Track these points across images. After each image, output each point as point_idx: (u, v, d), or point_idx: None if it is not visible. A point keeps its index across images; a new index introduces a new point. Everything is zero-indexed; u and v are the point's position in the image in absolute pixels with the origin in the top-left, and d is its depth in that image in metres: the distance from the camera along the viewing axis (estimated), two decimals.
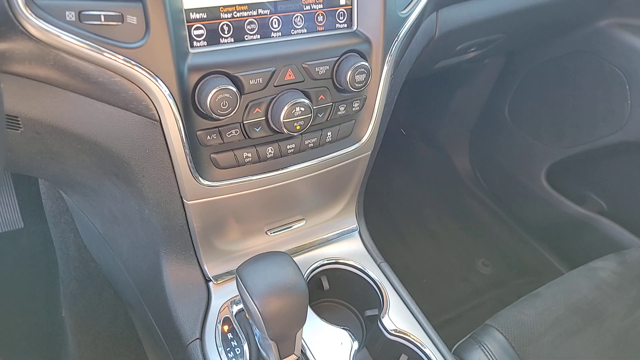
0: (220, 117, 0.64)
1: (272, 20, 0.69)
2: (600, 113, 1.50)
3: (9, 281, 1.40)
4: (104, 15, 0.56)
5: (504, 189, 1.91)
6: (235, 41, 0.67)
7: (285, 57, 0.69)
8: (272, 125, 0.71)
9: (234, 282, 0.70)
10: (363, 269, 0.95)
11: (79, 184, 0.90)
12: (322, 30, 0.73)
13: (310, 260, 0.94)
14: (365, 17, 0.75)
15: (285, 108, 0.68)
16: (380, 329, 0.87)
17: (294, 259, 0.90)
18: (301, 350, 0.78)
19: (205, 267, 0.87)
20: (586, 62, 1.51)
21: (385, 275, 0.94)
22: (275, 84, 0.69)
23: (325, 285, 0.96)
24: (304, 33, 0.72)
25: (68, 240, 1.39)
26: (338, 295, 0.99)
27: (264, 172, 0.76)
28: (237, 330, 0.81)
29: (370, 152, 0.89)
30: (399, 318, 0.89)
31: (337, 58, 0.73)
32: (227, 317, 0.83)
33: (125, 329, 1.33)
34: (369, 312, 0.93)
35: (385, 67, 0.78)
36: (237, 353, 0.80)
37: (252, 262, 0.67)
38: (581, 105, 1.56)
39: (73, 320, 1.32)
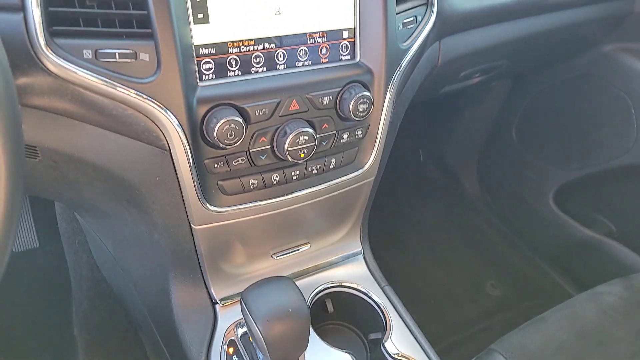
0: (227, 146, 0.67)
1: (278, 53, 0.72)
2: (606, 136, 1.51)
3: (24, 299, 1.43)
4: (119, 53, 0.60)
5: (513, 211, 1.92)
6: (242, 74, 0.70)
7: (290, 88, 0.72)
8: (277, 153, 0.73)
9: (240, 305, 0.72)
10: (367, 292, 0.96)
11: (92, 208, 0.94)
12: (326, 62, 0.76)
13: (315, 283, 0.96)
14: (367, 49, 0.78)
15: (290, 137, 0.71)
16: (383, 353, 0.88)
17: (299, 282, 0.94)
18: None
19: (212, 290, 0.89)
20: (592, 86, 1.53)
21: (388, 299, 0.95)
22: (280, 114, 0.71)
23: (330, 308, 0.97)
24: (308, 65, 0.75)
25: (81, 261, 1.43)
26: (342, 318, 1.00)
27: (270, 198, 0.79)
28: (242, 353, 0.83)
29: (373, 178, 0.91)
30: (401, 342, 0.89)
31: (340, 89, 0.75)
32: (233, 339, 0.85)
33: (135, 349, 1.35)
34: (372, 336, 0.94)
35: (388, 96, 0.80)
36: None
37: (256, 287, 0.69)
38: (588, 129, 1.57)
39: (84, 339, 1.35)
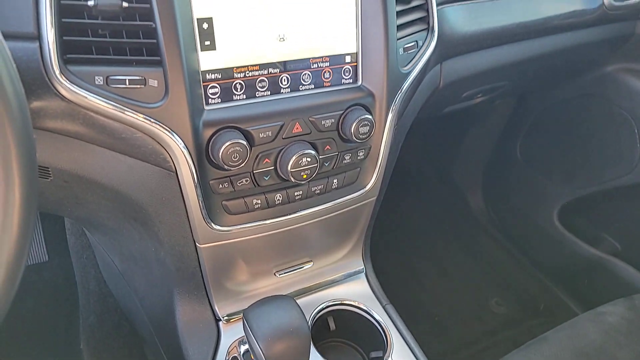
0: (232, 168, 0.69)
1: (282, 78, 0.74)
2: (610, 155, 1.51)
3: (32, 312, 1.45)
4: (129, 79, 0.62)
5: (518, 228, 1.92)
6: (247, 98, 0.72)
7: (293, 111, 0.74)
8: (281, 174, 0.75)
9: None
10: (368, 310, 0.97)
11: (101, 225, 0.96)
12: (329, 86, 0.78)
13: (317, 301, 0.97)
14: (369, 73, 0.79)
15: (293, 159, 0.73)
16: None
17: (302, 299, 0.95)
18: None
19: (216, 307, 0.90)
20: (595, 105, 1.54)
21: (390, 317, 0.96)
22: (283, 137, 0.73)
23: (332, 325, 0.98)
24: (311, 89, 0.77)
25: (89, 275, 1.46)
26: (344, 335, 1.01)
27: (273, 217, 0.80)
28: None
29: (375, 198, 0.92)
30: None
31: (342, 111, 0.77)
32: (235, 356, 0.86)
33: None
34: (374, 354, 0.95)
35: (389, 119, 0.82)
36: None
37: (258, 305, 0.71)
38: (592, 147, 1.58)
39: (90, 353, 1.36)
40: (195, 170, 0.69)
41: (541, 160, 1.76)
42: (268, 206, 0.78)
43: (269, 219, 0.80)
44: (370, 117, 0.77)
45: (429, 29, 0.87)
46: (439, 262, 1.92)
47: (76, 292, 1.48)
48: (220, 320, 0.90)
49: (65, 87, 0.60)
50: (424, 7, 0.86)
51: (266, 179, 0.75)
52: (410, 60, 0.85)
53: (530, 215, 1.82)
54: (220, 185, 0.73)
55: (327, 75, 0.78)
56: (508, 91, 1.41)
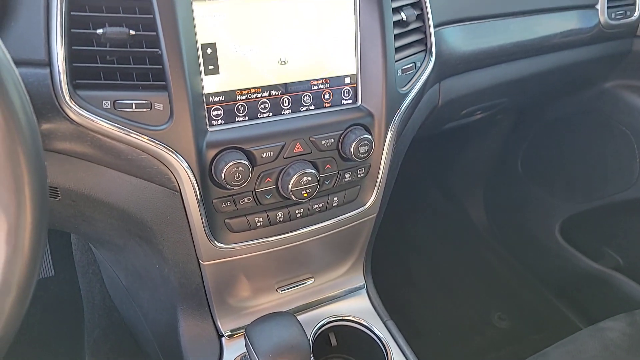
0: (234, 187, 0.71)
1: (283, 99, 0.77)
2: (610, 171, 1.52)
3: (38, 325, 1.47)
4: (135, 103, 0.65)
5: (520, 242, 1.92)
6: (249, 119, 0.74)
7: (294, 132, 0.76)
8: (282, 193, 0.77)
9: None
10: (369, 326, 0.98)
11: (107, 242, 0.98)
12: (329, 107, 0.80)
13: (319, 317, 0.98)
14: (368, 93, 0.81)
15: (294, 178, 0.75)
16: None
17: (303, 315, 0.96)
18: None
19: (219, 323, 0.92)
20: (595, 121, 1.56)
21: (390, 333, 0.97)
22: (284, 156, 0.75)
23: (333, 341, 0.99)
24: (312, 110, 0.79)
25: (94, 290, 1.47)
26: (345, 351, 1.02)
27: (275, 235, 0.82)
28: None
29: (375, 215, 0.94)
30: None
31: (342, 131, 0.79)
32: None
33: None
34: None
35: (388, 138, 0.84)
36: None
37: (260, 322, 0.72)
38: (592, 162, 1.59)
39: None
40: (199, 190, 0.71)
41: (542, 174, 1.77)
42: (270, 224, 0.80)
43: (270, 236, 0.82)
44: (369, 136, 0.79)
45: (426, 51, 0.90)
46: (441, 275, 1.92)
47: (82, 307, 1.50)
48: (223, 336, 0.92)
49: (75, 111, 0.63)
50: (422, 29, 0.89)
51: (268, 197, 0.77)
52: (409, 81, 0.87)
53: (532, 229, 1.83)
54: (223, 204, 0.75)
55: (327, 96, 0.80)
56: (507, 108, 1.43)
